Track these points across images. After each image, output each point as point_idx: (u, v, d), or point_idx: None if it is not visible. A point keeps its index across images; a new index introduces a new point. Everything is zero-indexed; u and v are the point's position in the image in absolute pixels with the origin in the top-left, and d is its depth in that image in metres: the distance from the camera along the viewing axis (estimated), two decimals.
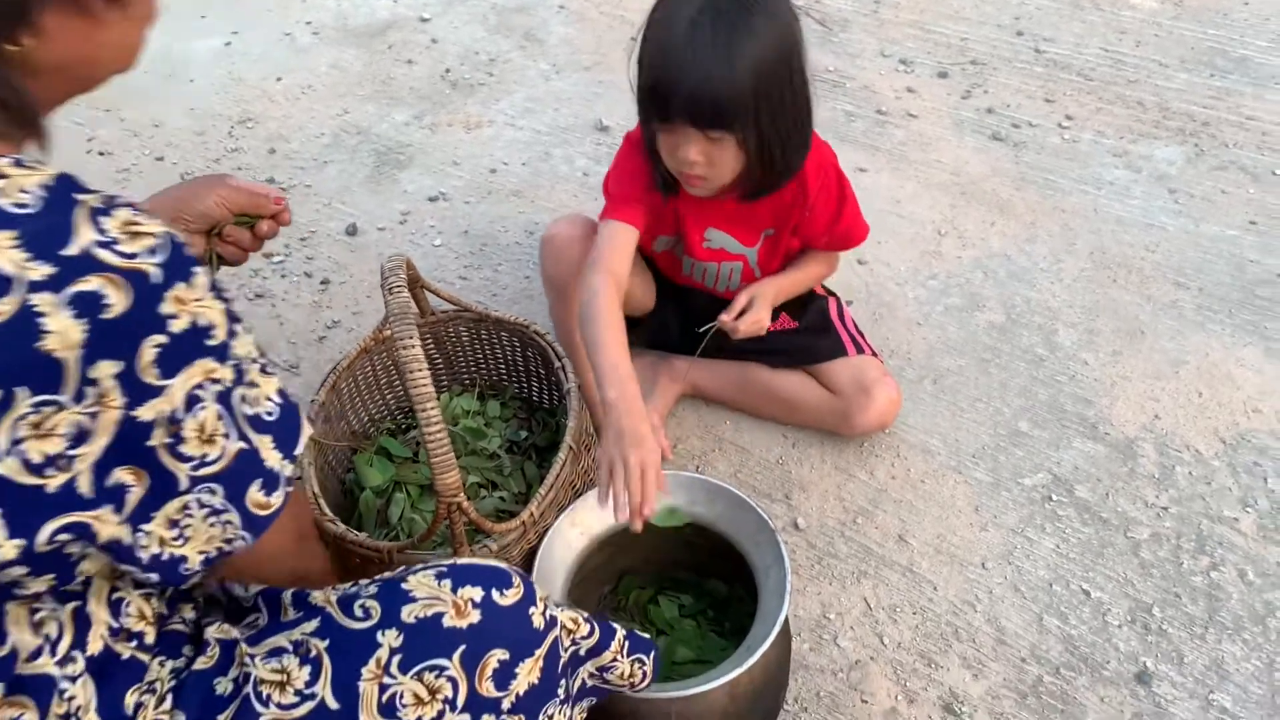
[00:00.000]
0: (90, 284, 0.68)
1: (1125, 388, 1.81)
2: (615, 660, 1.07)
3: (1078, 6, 2.75)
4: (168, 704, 0.86)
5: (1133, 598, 1.53)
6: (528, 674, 0.91)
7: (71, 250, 0.68)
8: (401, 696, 0.86)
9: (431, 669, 0.86)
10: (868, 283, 2.05)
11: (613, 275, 1.45)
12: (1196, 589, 1.53)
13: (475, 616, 0.89)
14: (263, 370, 0.83)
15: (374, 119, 2.60)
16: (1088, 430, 1.75)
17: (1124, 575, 1.55)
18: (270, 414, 0.83)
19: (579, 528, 1.39)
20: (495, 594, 0.91)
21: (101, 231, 0.70)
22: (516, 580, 0.94)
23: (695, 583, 1.54)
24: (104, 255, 0.69)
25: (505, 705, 0.90)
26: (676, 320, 1.79)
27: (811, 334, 1.72)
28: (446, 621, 0.88)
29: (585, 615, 1.05)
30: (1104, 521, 1.62)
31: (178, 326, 0.73)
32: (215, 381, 0.77)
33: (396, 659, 0.86)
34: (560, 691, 0.96)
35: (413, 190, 2.37)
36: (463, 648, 0.88)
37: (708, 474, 1.72)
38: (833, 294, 1.82)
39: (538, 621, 0.93)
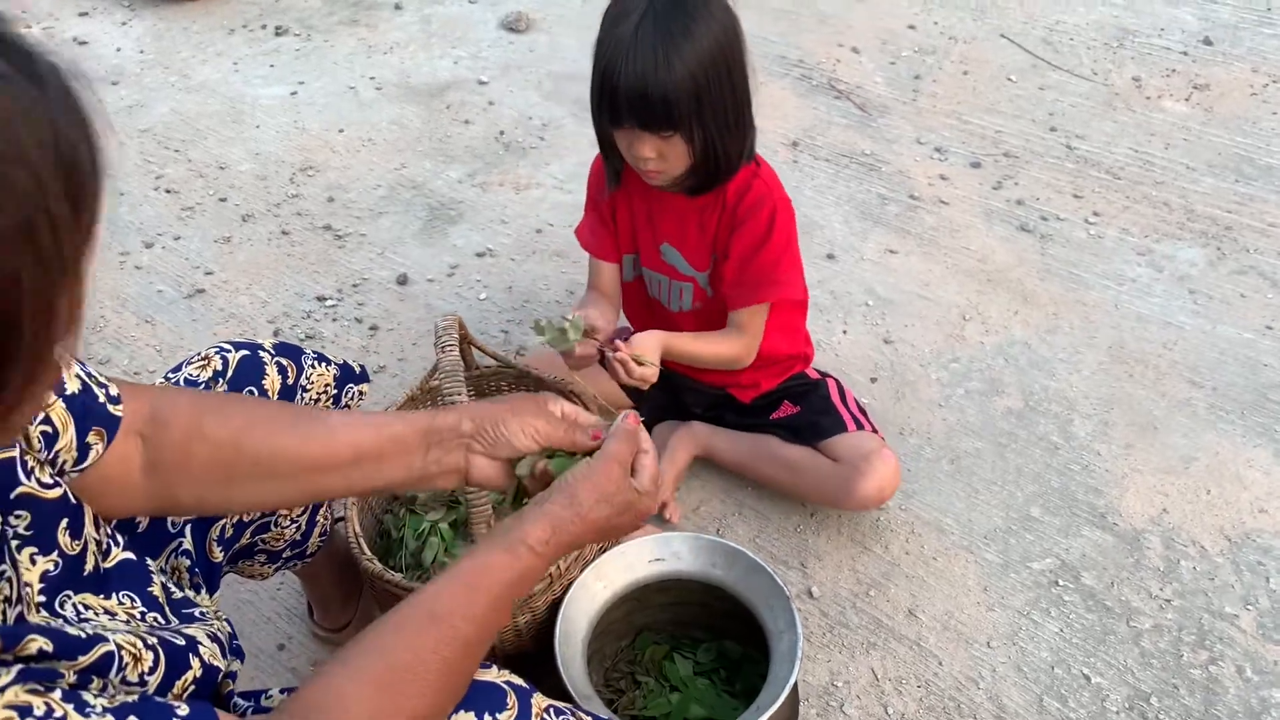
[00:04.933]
0: None
1: (1136, 480, 1.87)
2: None
3: (1111, 107, 2.85)
4: None
5: (1132, 685, 1.58)
6: None
7: None
8: None
9: None
10: (892, 362, 2.13)
11: (599, 290, 1.77)
12: (1195, 681, 1.58)
13: None
14: None
15: (429, 175, 2.73)
16: (1097, 520, 1.81)
17: (1124, 663, 1.60)
18: None
19: (603, 581, 1.47)
20: (488, 719, 0.92)
21: None
22: (511, 700, 0.95)
23: (710, 642, 1.61)
24: None
25: None
26: (667, 398, 1.93)
27: (813, 414, 1.80)
28: None
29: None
30: (1108, 609, 1.68)
31: None
32: None
33: None
34: None
35: (462, 245, 2.49)
36: None
37: (728, 537, 1.80)
38: (830, 375, 1.89)
39: None
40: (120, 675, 0.78)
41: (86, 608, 0.88)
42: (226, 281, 2.40)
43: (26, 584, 0.82)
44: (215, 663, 0.91)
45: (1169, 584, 1.71)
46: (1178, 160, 2.64)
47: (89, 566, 0.91)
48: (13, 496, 0.85)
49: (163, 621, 0.93)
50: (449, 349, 1.30)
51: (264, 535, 1.30)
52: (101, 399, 0.96)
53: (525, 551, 0.93)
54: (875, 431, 1.79)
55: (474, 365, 1.66)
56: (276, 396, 1.22)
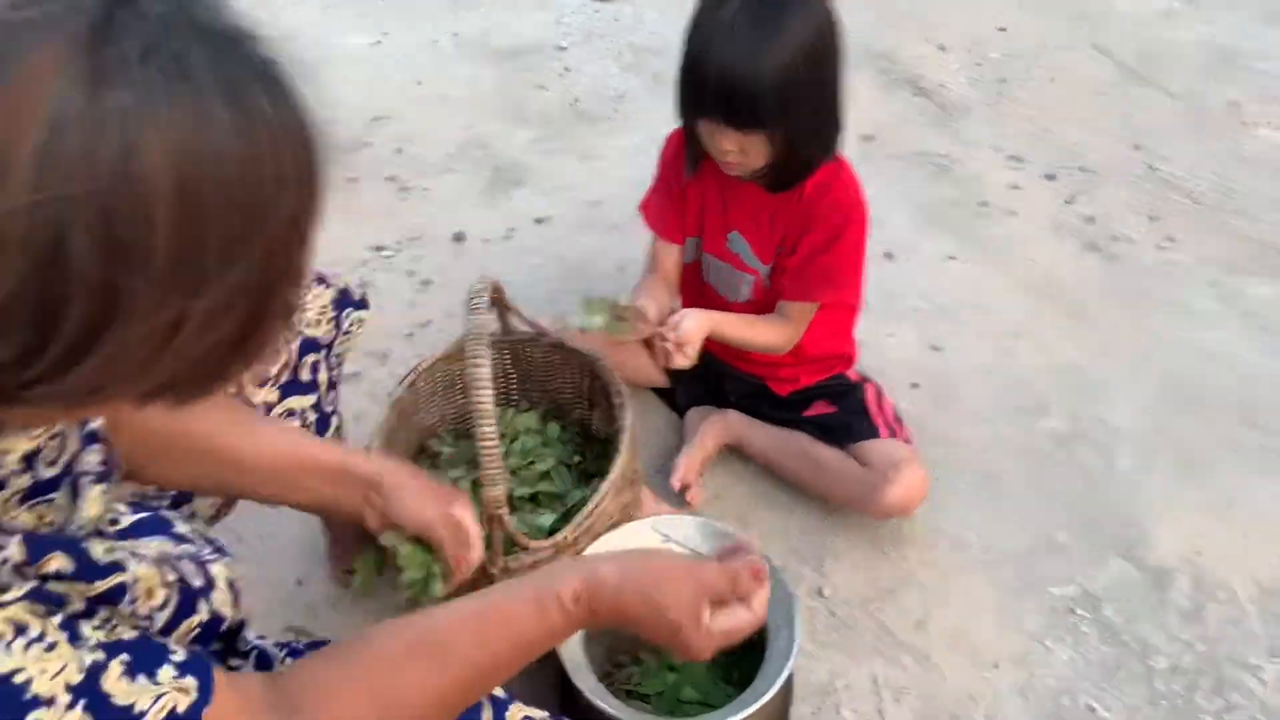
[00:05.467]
0: None
1: (1173, 517, 1.82)
2: None
3: (1201, 130, 2.75)
4: None
5: None
6: None
7: None
8: None
9: None
10: (938, 369, 2.09)
11: (660, 274, 1.77)
12: None
13: None
14: None
15: (498, 136, 2.74)
16: (1126, 552, 1.77)
17: (1133, 701, 1.57)
18: None
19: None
20: None
21: None
22: (486, 714, 0.95)
23: None
24: None
25: None
26: (705, 383, 1.92)
27: (847, 415, 1.79)
28: None
29: None
30: (1124, 645, 1.64)
31: None
32: None
33: None
34: None
35: (522, 209, 2.50)
36: None
37: (745, 526, 1.80)
38: (870, 380, 1.87)
39: None
40: (131, 607, 0.79)
41: (119, 548, 0.89)
42: None
43: (85, 519, 0.83)
44: (223, 610, 0.92)
45: (1192, 626, 1.67)
46: (1263, 191, 2.54)
47: (118, 524, 0.93)
48: (87, 431, 0.86)
49: (193, 551, 0.95)
50: (478, 310, 1.31)
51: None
52: None
53: (554, 605, 0.87)
54: (908, 442, 1.77)
55: (511, 330, 1.67)
56: None
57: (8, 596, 0.65)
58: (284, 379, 1.29)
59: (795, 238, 1.66)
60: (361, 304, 1.38)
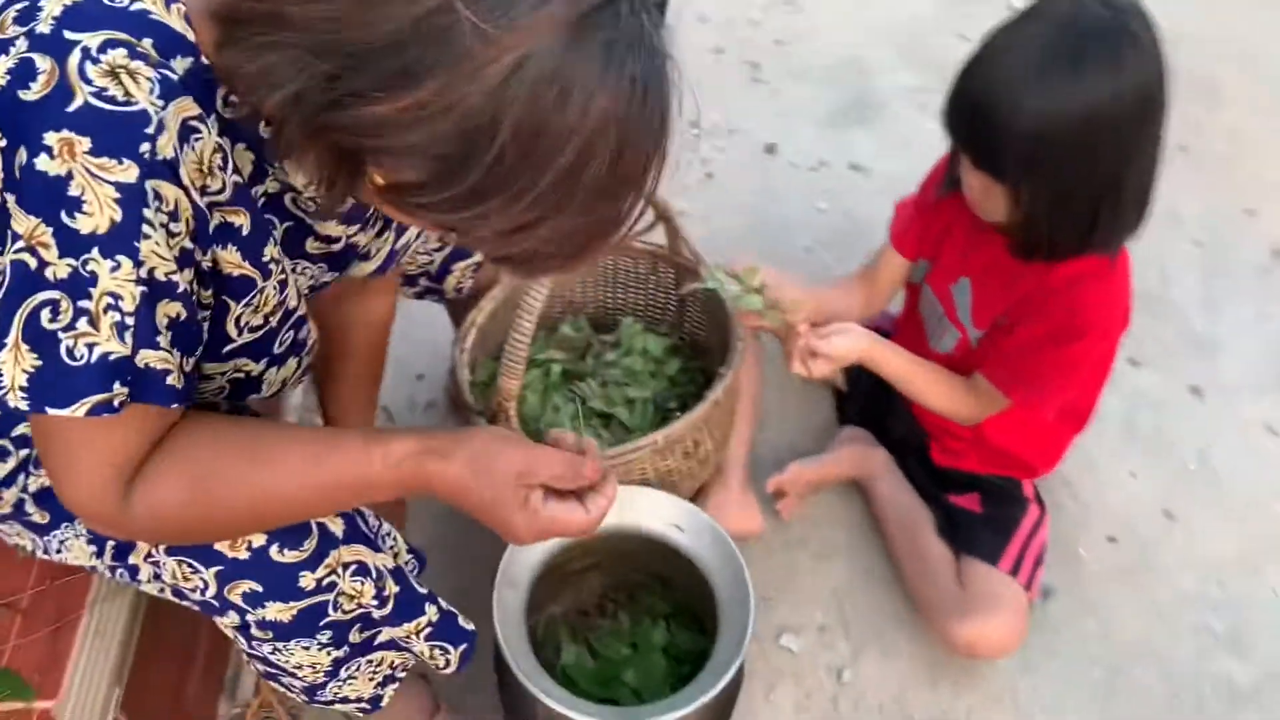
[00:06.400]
0: (42, 63, 0.68)
1: None
2: (411, 638, 1.08)
3: None
4: None
5: None
6: (276, 612, 0.96)
7: (60, 35, 0.69)
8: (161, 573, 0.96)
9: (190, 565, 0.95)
10: (1152, 535, 1.72)
11: (870, 277, 1.64)
12: None
13: (244, 554, 0.94)
14: (120, 329, 0.72)
15: (882, 69, 2.53)
16: None
17: None
18: (71, 354, 0.71)
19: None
20: (274, 548, 0.94)
21: (94, 52, 0.69)
22: (310, 543, 0.96)
23: (705, 636, 1.49)
24: (72, 58, 0.68)
25: (251, 620, 0.97)
26: (872, 405, 1.72)
27: (983, 524, 1.53)
28: (221, 548, 0.94)
29: (390, 591, 1.04)
30: None
31: (41, 165, 0.68)
32: (33, 254, 0.69)
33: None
34: (321, 637, 1.01)
35: (847, 149, 2.33)
36: (221, 569, 0.94)
37: (815, 572, 1.65)
38: (1042, 505, 1.57)
39: (306, 583, 0.96)
40: (245, 308, 0.86)
41: (283, 266, 0.94)
42: None
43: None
44: (271, 389, 0.99)
45: None
46: None
47: None
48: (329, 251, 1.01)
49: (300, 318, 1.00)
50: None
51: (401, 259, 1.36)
52: None
53: (378, 455, 0.87)
54: (1027, 589, 1.49)
55: (678, 253, 1.58)
56: None
57: (210, 131, 0.76)
58: None
59: (1017, 319, 1.40)
60: None
